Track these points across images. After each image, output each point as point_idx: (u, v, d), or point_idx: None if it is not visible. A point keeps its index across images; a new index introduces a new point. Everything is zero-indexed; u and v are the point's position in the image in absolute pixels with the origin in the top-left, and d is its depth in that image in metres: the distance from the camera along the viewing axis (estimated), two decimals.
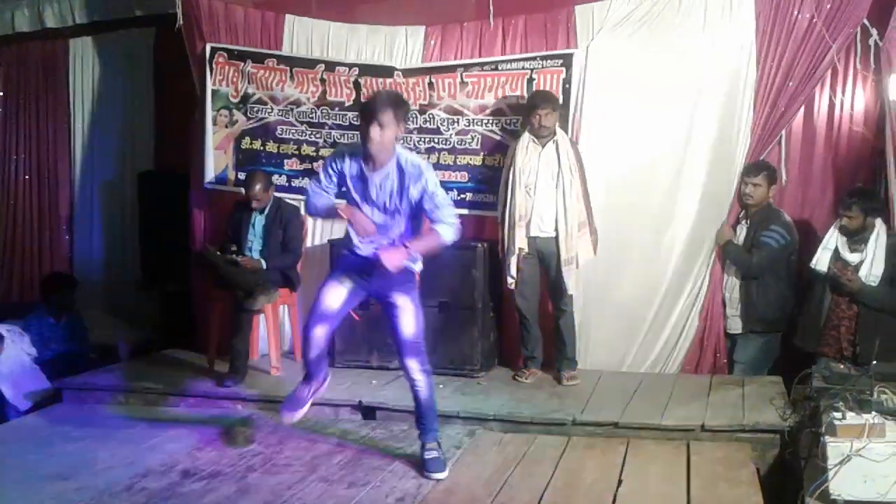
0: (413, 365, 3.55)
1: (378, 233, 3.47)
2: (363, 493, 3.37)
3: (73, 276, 6.51)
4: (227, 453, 3.89)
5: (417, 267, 3.60)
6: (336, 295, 3.55)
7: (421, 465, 3.58)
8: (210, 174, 5.67)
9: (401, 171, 3.41)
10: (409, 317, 3.52)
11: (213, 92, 5.65)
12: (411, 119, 5.29)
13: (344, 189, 3.55)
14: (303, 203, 4.18)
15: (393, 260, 3.32)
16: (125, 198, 6.77)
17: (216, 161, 5.68)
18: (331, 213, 3.59)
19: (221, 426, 4.24)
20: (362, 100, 5.35)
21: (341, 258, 3.74)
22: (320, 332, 3.55)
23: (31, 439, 4.25)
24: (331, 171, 3.54)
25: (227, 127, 5.66)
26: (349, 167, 3.49)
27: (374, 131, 3.30)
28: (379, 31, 5.40)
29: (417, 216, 3.52)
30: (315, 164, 5.45)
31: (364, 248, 3.54)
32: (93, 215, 6.97)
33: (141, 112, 6.72)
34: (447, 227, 3.42)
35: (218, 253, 4.93)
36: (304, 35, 5.54)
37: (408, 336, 3.53)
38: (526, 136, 4.66)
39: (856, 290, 4.23)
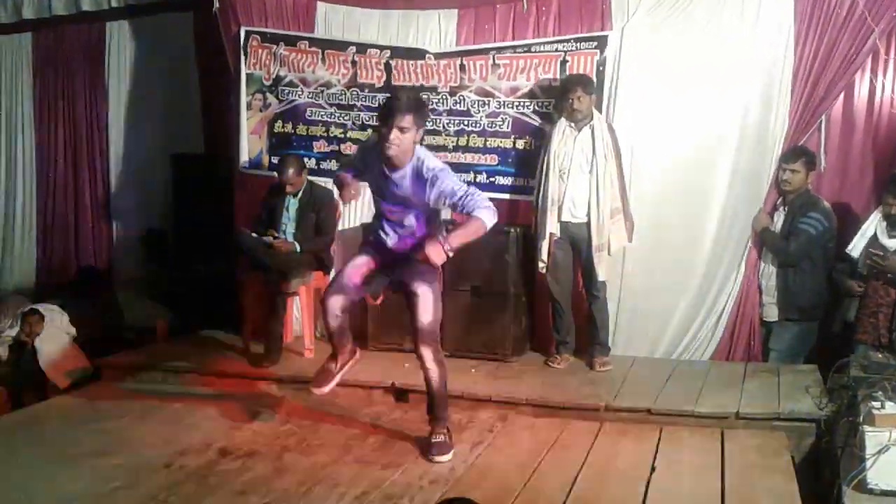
0: (426, 354, 3.56)
1: (398, 228, 3.53)
2: (397, 474, 3.40)
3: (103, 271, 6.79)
4: (263, 433, 3.95)
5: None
6: (359, 271, 3.60)
7: (426, 449, 3.61)
8: (244, 158, 5.73)
9: (417, 174, 3.38)
10: (426, 305, 3.50)
11: (248, 76, 5.68)
12: (441, 101, 5.29)
13: (368, 181, 3.63)
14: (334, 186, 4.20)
15: (435, 255, 3.23)
16: (162, 180, 6.83)
17: (250, 145, 5.74)
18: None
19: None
20: (393, 83, 5.37)
21: (371, 243, 3.74)
22: (336, 302, 3.57)
23: (70, 417, 4.33)
24: (358, 162, 3.67)
25: (261, 111, 5.70)
26: (373, 162, 3.51)
27: (394, 135, 3.29)
28: (412, 16, 5.37)
29: (435, 217, 3.54)
30: (343, 146, 5.49)
31: (390, 240, 3.57)
32: (130, 197, 7.05)
33: (177, 95, 6.75)
34: (485, 211, 3.28)
35: (254, 236, 4.98)
36: (335, 21, 5.53)
37: (423, 324, 3.52)
38: (563, 121, 4.63)
39: (892, 271, 4.16)
